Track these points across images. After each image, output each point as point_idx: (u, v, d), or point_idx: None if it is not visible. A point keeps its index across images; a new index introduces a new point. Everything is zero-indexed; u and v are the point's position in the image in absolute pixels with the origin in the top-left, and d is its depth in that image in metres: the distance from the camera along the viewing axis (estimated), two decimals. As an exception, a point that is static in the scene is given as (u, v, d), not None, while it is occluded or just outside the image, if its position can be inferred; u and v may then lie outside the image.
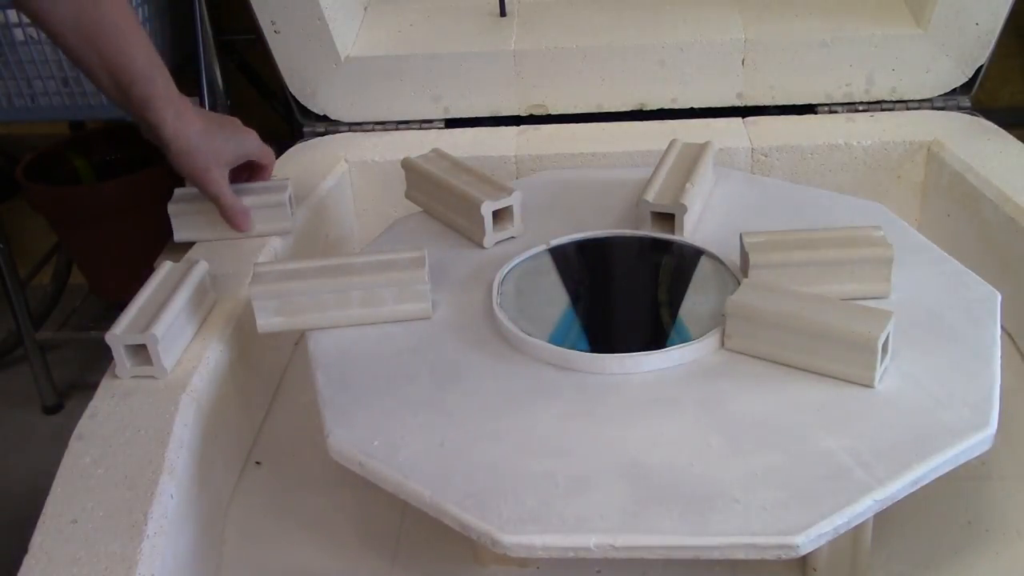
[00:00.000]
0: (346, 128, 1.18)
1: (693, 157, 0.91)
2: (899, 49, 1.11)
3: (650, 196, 0.84)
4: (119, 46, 0.79)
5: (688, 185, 0.85)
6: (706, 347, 0.69)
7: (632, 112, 1.15)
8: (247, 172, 0.93)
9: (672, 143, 0.94)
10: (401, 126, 1.18)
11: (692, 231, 0.84)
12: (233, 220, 0.89)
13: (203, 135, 0.85)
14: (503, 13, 1.20)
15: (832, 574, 0.64)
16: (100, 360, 0.93)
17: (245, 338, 0.81)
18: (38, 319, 1.74)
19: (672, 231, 0.84)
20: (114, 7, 0.79)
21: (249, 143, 0.90)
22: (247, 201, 0.92)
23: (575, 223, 0.87)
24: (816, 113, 1.14)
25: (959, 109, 1.13)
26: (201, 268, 0.80)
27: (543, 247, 0.83)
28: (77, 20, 0.77)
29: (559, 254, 0.82)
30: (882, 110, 1.14)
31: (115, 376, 0.73)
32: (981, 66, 1.11)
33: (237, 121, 0.91)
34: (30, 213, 1.70)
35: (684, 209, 0.83)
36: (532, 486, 0.59)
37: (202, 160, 0.85)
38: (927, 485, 0.59)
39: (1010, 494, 0.71)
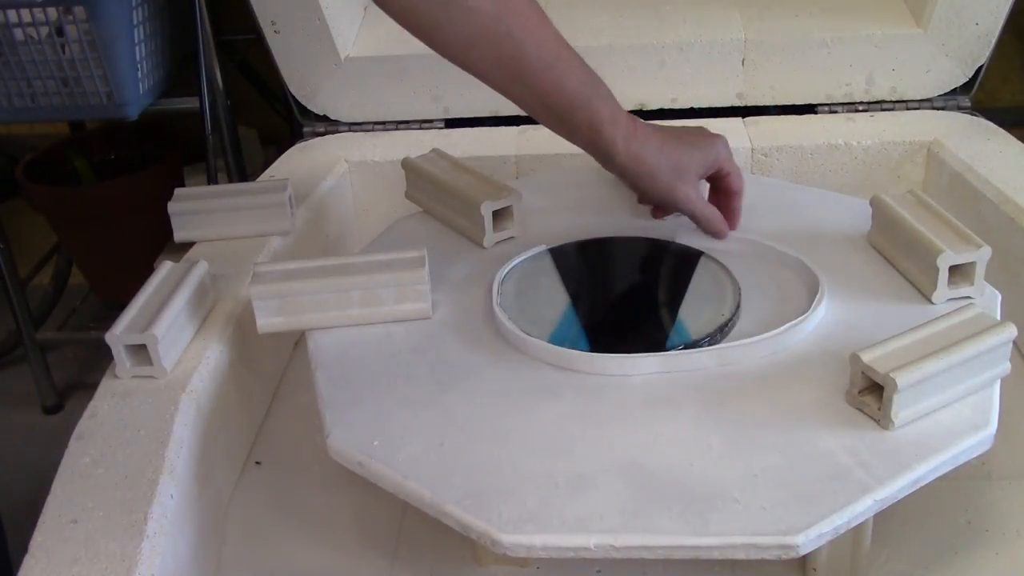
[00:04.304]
0: (346, 128, 1.18)
1: None
2: (899, 49, 1.11)
3: None
4: (546, 77, 0.71)
5: None
6: (707, 352, 0.69)
7: (632, 112, 1.15)
8: (716, 193, 0.83)
9: None
10: (401, 126, 1.18)
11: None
12: (711, 228, 0.81)
13: (660, 152, 0.77)
14: (503, 13, 1.20)
15: (832, 574, 0.64)
16: (100, 360, 0.93)
17: (245, 338, 0.81)
18: (38, 319, 1.75)
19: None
20: (530, 33, 0.70)
21: (716, 150, 0.79)
22: (246, 201, 0.92)
23: (575, 223, 0.87)
24: (816, 113, 1.14)
25: (959, 109, 1.13)
26: (201, 268, 0.80)
27: (543, 247, 0.83)
28: (497, 60, 0.70)
29: (559, 254, 0.82)
30: (882, 110, 1.14)
31: (115, 376, 0.73)
32: (981, 66, 1.11)
33: (702, 129, 0.82)
34: (30, 213, 1.70)
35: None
36: (532, 486, 0.59)
37: (664, 180, 0.77)
38: (927, 485, 0.59)
39: (1010, 494, 0.71)
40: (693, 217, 0.81)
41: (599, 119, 0.74)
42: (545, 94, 0.72)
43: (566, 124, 0.75)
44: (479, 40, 0.69)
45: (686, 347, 0.69)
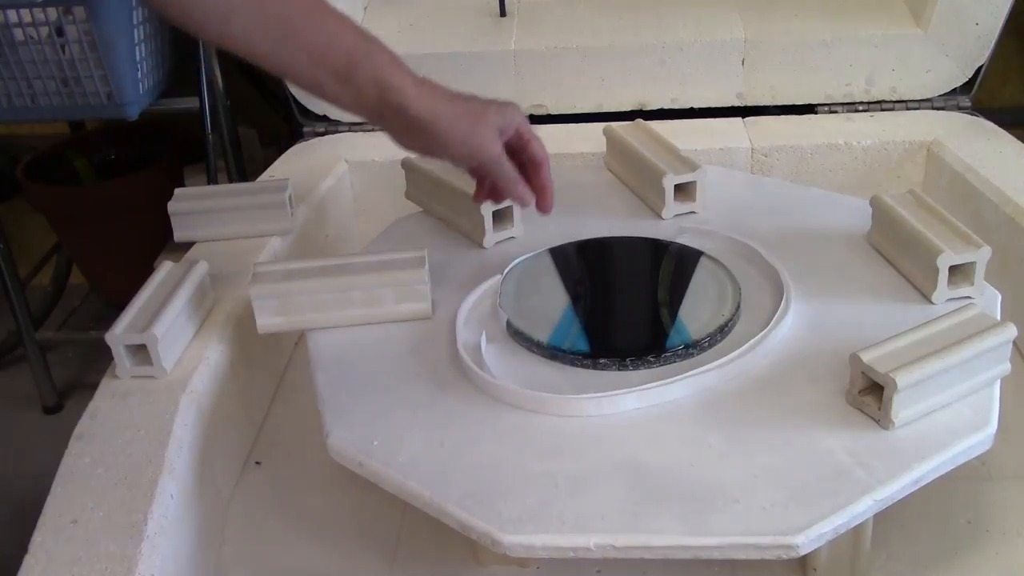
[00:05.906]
0: (346, 128, 1.18)
1: (651, 137, 0.93)
2: (899, 49, 1.11)
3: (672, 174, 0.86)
4: (319, 33, 0.64)
5: (684, 156, 0.89)
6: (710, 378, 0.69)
7: (632, 112, 1.15)
8: (521, 168, 0.72)
9: (607, 128, 0.96)
10: (401, 126, 1.18)
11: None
12: (516, 193, 0.71)
13: (452, 101, 0.68)
14: (503, 13, 1.20)
15: (832, 574, 0.64)
16: (100, 360, 0.93)
17: (245, 338, 0.80)
18: (38, 319, 1.74)
19: (692, 199, 0.87)
20: None
21: (511, 111, 0.71)
22: (246, 201, 0.92)
23: (575, 223, 0.87)
24: (816, 113, 1.14)
25: (959, 109, 1.13)
26: (201, 268, 0.80)
27: (543, 247, 0.83)
28: (263, 23, 0.63)
29: (559, 254, 0.82)
30: (882, 110, 1.14)
31: (115, 376, 0.73)
32: (981, 66, 1.11)
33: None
34: (30, 213, 1.70)
35: (704, 173, 0.87)
36: (532, 486, 0.59)
37: (463, 126, 0.68)
38: (927, 485, 0.59)
39: (1010, 494, 0.71)
40: (497, 174, 0.70)
41: (384, 68, 0.66)
42: (321, 53, 0.64)
43: (350, 84, 0.66)
44: (241, 7, 0.62)
45: (686, 347, 0.69)
